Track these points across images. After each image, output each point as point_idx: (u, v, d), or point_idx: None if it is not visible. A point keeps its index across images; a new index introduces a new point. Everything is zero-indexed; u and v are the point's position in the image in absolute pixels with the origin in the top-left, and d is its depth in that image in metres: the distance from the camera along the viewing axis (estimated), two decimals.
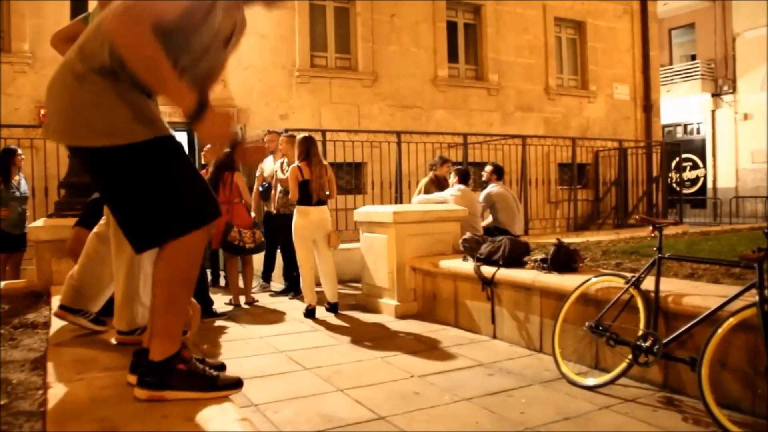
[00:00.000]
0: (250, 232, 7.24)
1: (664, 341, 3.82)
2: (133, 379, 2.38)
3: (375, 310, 6.75)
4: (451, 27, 14.10)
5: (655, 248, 4.19)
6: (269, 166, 8.20)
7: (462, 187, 7.83)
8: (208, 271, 8.03)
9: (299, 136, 6.98)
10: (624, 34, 16.53)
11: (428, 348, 5.29)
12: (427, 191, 8.61)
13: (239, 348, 5.35)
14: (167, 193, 2.27)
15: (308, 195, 6.58)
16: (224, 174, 7.28)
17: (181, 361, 2.33)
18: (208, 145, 9.19)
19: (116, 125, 2.20)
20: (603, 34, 16.10)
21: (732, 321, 3.48)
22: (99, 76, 2.20)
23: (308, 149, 6.67)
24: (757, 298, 3.39)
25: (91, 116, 2.20)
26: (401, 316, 6.43)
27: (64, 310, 3.37)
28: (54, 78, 2.29)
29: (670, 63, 25.25)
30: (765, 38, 21.55)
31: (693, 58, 24.84)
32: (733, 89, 22.98)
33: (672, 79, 23.84)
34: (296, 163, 6.71)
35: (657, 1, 17.99)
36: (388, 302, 6.59)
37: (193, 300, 4.40)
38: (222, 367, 2.56)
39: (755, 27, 22.12)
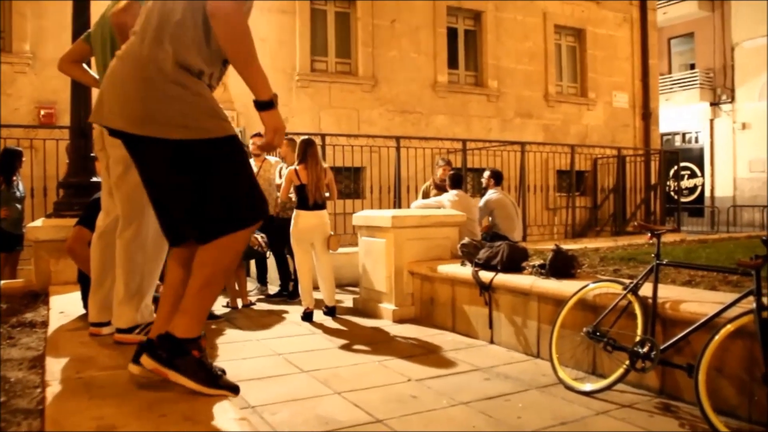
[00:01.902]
0: (259, 236, 7.30)
1: (662, 347, 3.83)
2: (135, 369, 2.39)
3: (373, 314, 6.75)
4: (452, 33, 14.14)
5: (653, 255, 4.20)
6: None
7: (458, 191, 7.85)
8: None
9: (300, 138, 6.99)
10: (623, 42, 16.58)
11: (425, 352, 5.29)
12: (426, 195, 8.64)
13: (237, 350, 5.34)
14: (235, 187, 2.42)
15: (305, 198, 6.58)
16: None
17: (197, 347, 2.39)
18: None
19: (199, 120, 2.36)
20: (603, 42, 16.14)
21: (729, 328, 3.48)
22: (187, 74, 2.36)
23: (306, 152, 6.67)
24: (754, 305, 3.40)
25: (174, 110, 2.33)
26: (399, 320, 6.43)
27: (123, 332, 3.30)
28: (126, 69, 2.41)
29: (669, 72, 25.34)
30: (764, 48, 21.65)
31: (692, 67, 24.94)
32: (732, 98, 23.06)
33: (671, 88, 23.92)
34: (294, 165, 6.72)
35: (656, 10, 18.06)
36: (386, 306, 6.59)
37: None
38: (223, 372, 2.58)
39: (754, 37, 22.23)
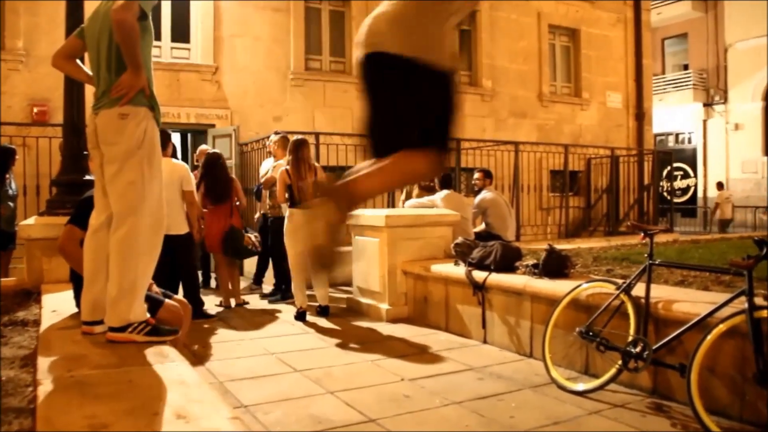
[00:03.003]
0: (253, 236, 7.30)
1: (654, 347, 3.84)
2: None
3: (366, 313, 6.75)
4: None
5: (645, 255, 4.21)
6: (266, 167, 8.23)
7: (449, 191, 7.86)
8: (199, 273, 8.02)
9: (292, 138, 6.98)
10: (617, 42, 16.61)
11: (419, 352, 5.30)
12: (409, 196, 8.63)
13: (230, 349, 5.34)
14: (442, 110, 2.51)
15: (295, 197, 6.59)
16: (228, 177, 7.37)
17: None
18: (202, 146, 9.22)
19: (444, 48, 2.48)
20: (597, 42, 16.16)
21: (721, 328, 3.50)
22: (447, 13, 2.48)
23: (295, 153, 6.65)
24: (746, 305, 3.41)
25: (425, 34, 2.49)
26: (392, 319, 6.43)
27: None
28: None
29: (663, 72, 25.41)
30: (756, 49, 21.73)
31: (685, 67, 25.02)
32: (725, 99, 23.14)
33: (664, 88, 24.00)
34: (285, 165, 6.71)
35: (650, 10, 18.10)
36: (379, 306, 6.59)
37: (185, 300, 4.42)
38: None
39: (747, 38, 22.31)
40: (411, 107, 2.52)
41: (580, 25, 15.87)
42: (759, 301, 3.45)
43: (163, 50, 11.24)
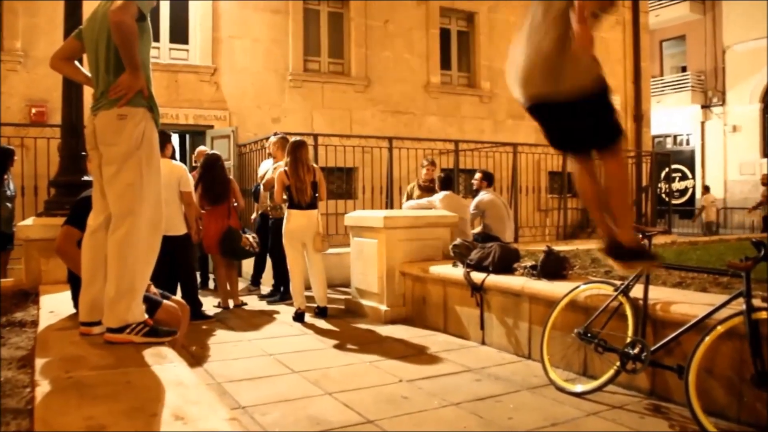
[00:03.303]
0: (251, 236, 7.30)
1: (652, 349, 3.84)
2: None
3: (364, 314, 6.75)
4: (445, 34, 14.14)
5: None
6: (266, 168, 8.23)
7: (448, 192, 7.87)
8: (198, 274, 8.02)
9: (291, 140, 6.98)
10: (616, 44, 16.61)
11: (417, 353, 5.30)
12: (410, 197, 8.65)
13: (228, 350, 5.34)
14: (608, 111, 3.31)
15: (293, 199, 6.58)
16: (226, 178, 7.37)
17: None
18: (200, 147, 9.22)
19: (585, 66, 3.18)
20: (595, 44, 16.13)
21: (719, 329, 3.50)
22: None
23: (293, 153, 6.65)
24: (744, 307, 3.41)
25: (571, 68, 3.16)
26: (390, 320, 6.43)
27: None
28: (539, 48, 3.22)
29: (661, 74, 25.44)
30: (755, 51, 21.77)
31: (683, 69, 25.06)
32: (723, 101, 23.18)
33: (662, 90, 24.02)
34: (284, 166, 6.71)
35: (648, 12, 18.12)
36: (378, 307, 6.60)
37: (183, 301, 4.42)
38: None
39: (745, 40, 22.35)
40: (588, 122, 3.24)
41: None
42: (757, 302, 3.45)
43: (162, 51, 11.24)
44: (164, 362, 2.81)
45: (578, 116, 3.25)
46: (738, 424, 3.55)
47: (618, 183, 3.37)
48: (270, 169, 7.81)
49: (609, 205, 3.39)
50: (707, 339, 3.52)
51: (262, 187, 7.88)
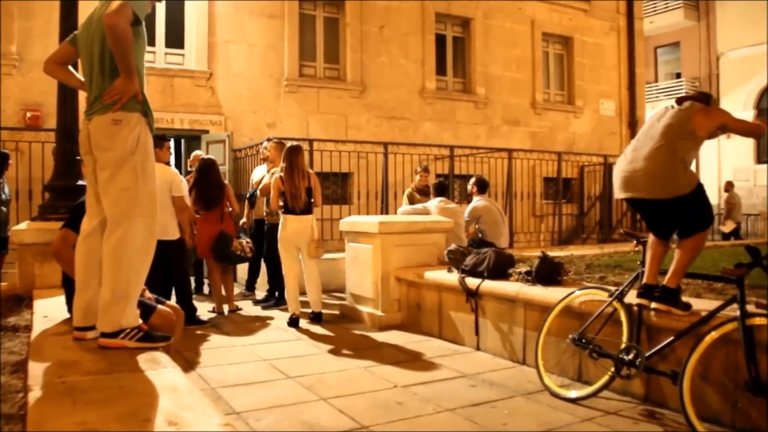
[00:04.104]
0: (244, 241, 7.28)
1: (647, 354, 3.85)
2: (647, 302, 4.00)
3: (359, 319, 6.75)
4: (440, 40, 14.16)
5: (638, 262, 4.23)
6: (260, 173, 8.23)
7: (443, 198, 7.89)
8: (192, 279, 8.00)
9: (287, 145, 6.97)
10: (611, 50, 16.67)
11: (411, 358, 5.29)
12: (411, 199, 8.68)
13: (222, 356, 5.33)
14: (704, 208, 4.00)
15: (288, 204, 6.58)
16: (220, 182, 7.35)
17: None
18: (196, 152, 9.21)
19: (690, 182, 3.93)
20: (590, 50, 16.22)
21: (714, 335, 3.51)
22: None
23: (288, 158, 6.64)
24: (738, 313, 3.43)
25: (683, 178, 3.92)
26: (385, 326, 6.43)
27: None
28: (658, 157, 3.93)
29: (656, 80, 25.53)
30: (749, 58, 21.88)
31: (678, 76, 25.16)
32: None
33: (657, 97, 24.07)
34: (280, 172, 6.70)
35: (643, 19, 18.19)
36: (373, 312, 6.59)
37: (177, 306, 4.41)
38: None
39: (739, 47, 22.47)
40: (681, 219, 3.96)
41: (573, 33, 15.93)
42: (751, 308, 3.46)
43: (157, 56, 11.23)
44: (158, 367, 2.80)
45: (676, 210, 3.93)
46: (732, 430, 3.55)
47: (693, 246, 3.94)
48: (267, 174, 7.81)
49: (676, 261, 3.97)
50: (701, 345, 3.53)
51: (258, 192, 7.87)
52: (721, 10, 23.24)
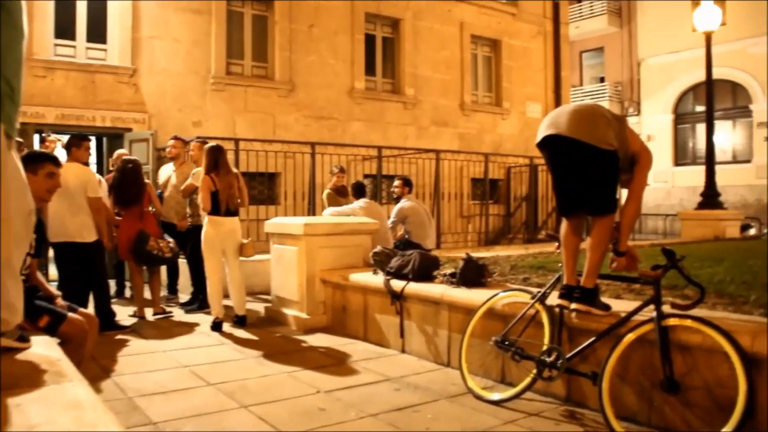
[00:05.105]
0: (165, 242, 7.05)
1: (568, 356, 3.89)
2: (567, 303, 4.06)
3: (284, 322, 6.64)
4: (370, 40, 14.13)
5: (560, 264, 4.27)
6: (166, 172, 8.07)
7: (367, 200, 7.87)
8: (112, 282, 7.74)
9: (207, 145, 6.81)
10: (537, 54, 16.99)
11: (336, 362, 5.23)
12: (333, 201, 8.63)
13: (141, 362, 5.15)
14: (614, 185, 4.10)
15: (218, 205, 6.42)
16: (139, 181, 7.10)
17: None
18: (119, 150, 8.92)
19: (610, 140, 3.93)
20: (517, 53, 16.48)
21: (631, 336, 3.57)
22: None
23: (216, 159, 6.50)
24: (654, 314, 3.49)
25: (604, 132, 3.94)
26: (310, 329, 6.35)
27: None
28: (585, 107, 4.12)
29: (581, 84, 26.22)
30: (667, 64, 22.72)
31: (602, 80, 25.91)
32: (638, 111, 24.05)
33: (582, 99, 24.69)
34: (209, 172, 6.52)
35: (569, 24, 18.60)
36: (298, 315, 6.50)
37: (90, 313, 4.24)
38: None
39: (658, 54, 23.33)
40: (591, 184, 4.03)
41: (501, 36, 16.15)
42: (666, 309, 3.54)
43: (78, 50, 10.82)
44: (63, 381, 2.65)
45: (590, 165, 3.96)
46: (648, 428, 3.62)
47: (599, 242, 4.00)
48: (173, 174, 7.70)
49: (587, 261, 4.03)
50: (620, 346, 3.59)
51: (175, 193, 7.67)
52: (642, 18, 24.06)
